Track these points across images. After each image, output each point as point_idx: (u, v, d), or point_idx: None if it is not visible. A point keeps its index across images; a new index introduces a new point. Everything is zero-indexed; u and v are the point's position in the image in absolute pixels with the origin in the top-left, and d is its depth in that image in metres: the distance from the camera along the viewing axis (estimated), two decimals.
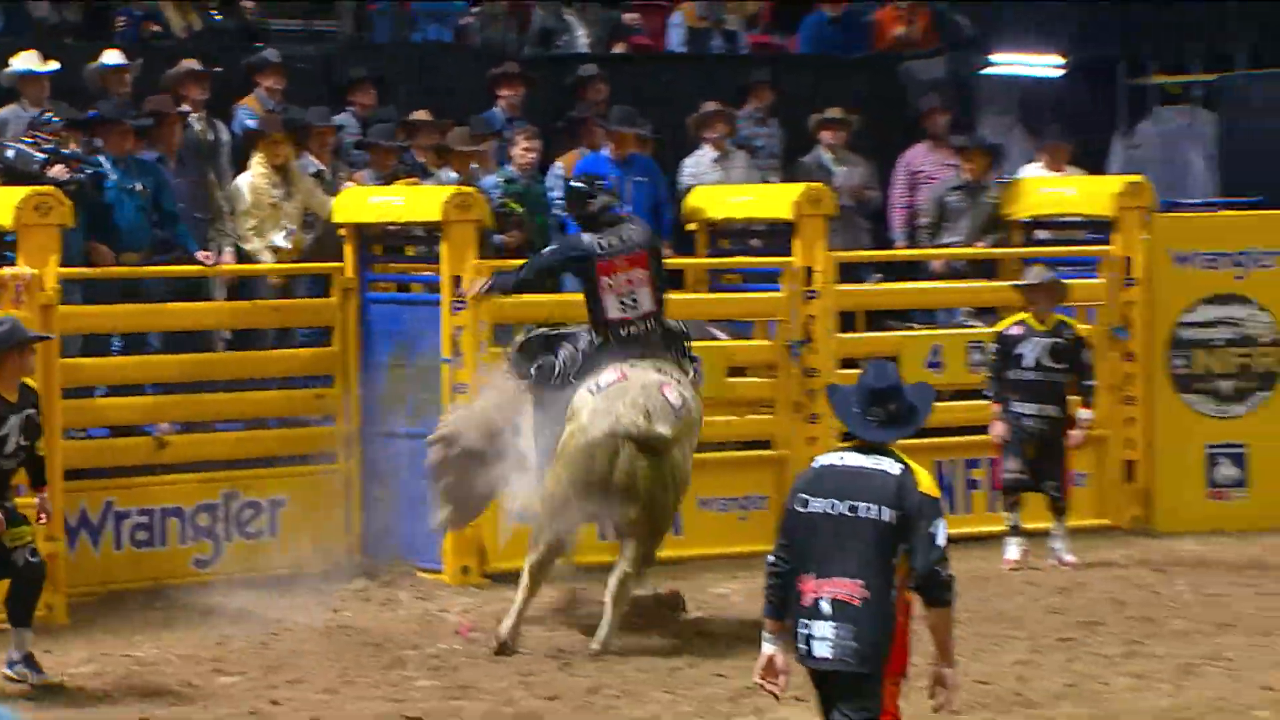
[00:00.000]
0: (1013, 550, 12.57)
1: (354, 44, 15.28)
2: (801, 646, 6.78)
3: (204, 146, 13.00)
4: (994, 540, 12.75)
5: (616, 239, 10.98)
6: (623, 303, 10.90)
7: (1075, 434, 12.65)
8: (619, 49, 15.99)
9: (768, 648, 6.93)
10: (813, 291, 13.08)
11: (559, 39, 15.62)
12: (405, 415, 12.48)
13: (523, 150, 13.51)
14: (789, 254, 13.10)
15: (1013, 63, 17.44)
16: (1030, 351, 12.58)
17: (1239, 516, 13.82)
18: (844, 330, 13.36)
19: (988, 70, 17.26)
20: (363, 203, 12.73)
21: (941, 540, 6.67)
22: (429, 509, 11.32)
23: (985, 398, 12.76)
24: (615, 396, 10.62)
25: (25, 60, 12.59)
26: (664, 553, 11.45)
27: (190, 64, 13.18)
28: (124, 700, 9.70)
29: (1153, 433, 13.90)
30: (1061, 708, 9.41)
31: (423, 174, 13.30)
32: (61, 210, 11.32)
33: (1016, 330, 12.69)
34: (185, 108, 12.89)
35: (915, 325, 14.29)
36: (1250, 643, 10.68)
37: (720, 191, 13.97)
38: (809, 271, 13.07)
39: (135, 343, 12.25)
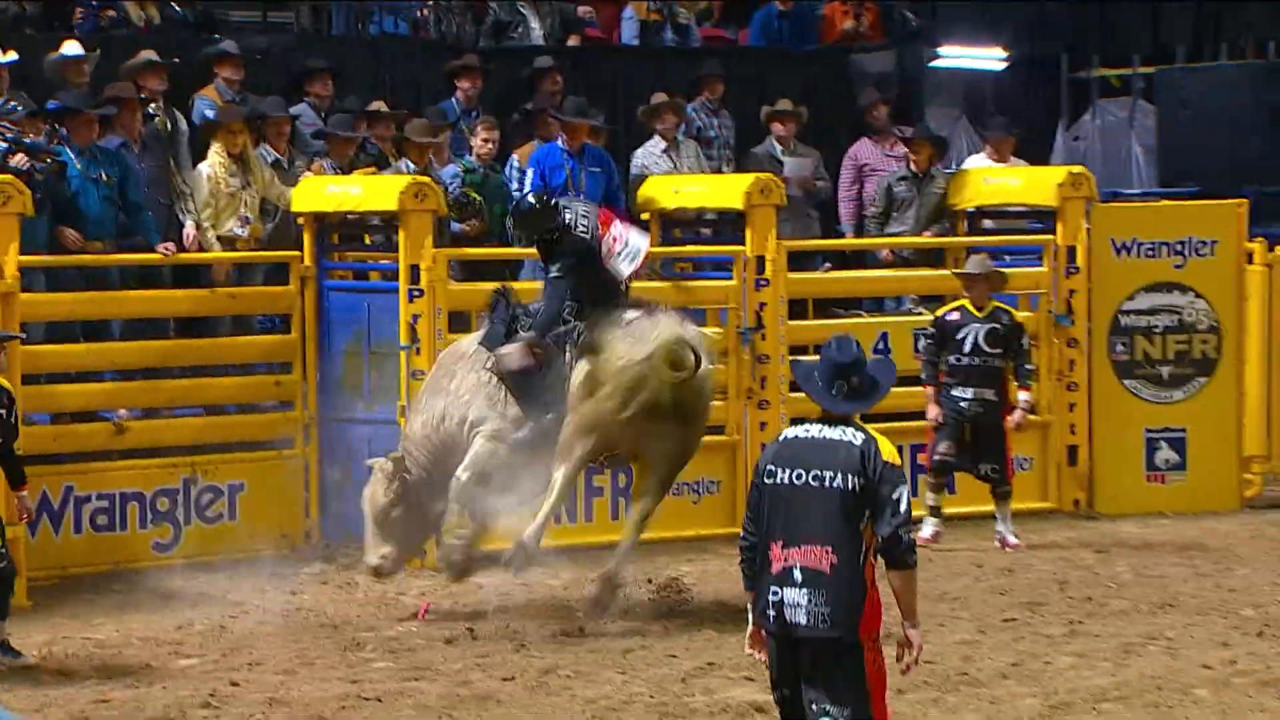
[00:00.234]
0: (927, 529, 12.69)
1: (311, 36, 15.34)
2: (770, 613, 6.91)
3: (163, 136, 13.07)
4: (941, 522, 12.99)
5: (580, 212, 11.14)
6: (621, 254, 11.05)
7: (1016, 416, 12.83)
8: (573, 42, 16.09)
9: (753, 620, 7.09)
10: (764, 279, 13.26)
11: (513, 31, 15.71)
12: (363, 401, 12.59)
13: (482, 140, 13.59)
14: (740, 243, 13.26)
15: (958, 56, 17.62)
16: (969, 337, 12.72)
17: (1178, 499, 14.02)
18: (794, 318, 13.50)
19: (934, 64, 17.43)
20: (320, 192, 12.80)
21: (904, 505, 6.83)
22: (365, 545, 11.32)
23: (920, 382, 12.88)
24: (651, 327, 10.81)
25: None
26: (616, 535, 11.57)
27: (148, 55, 13.21)
28: (84, 681, 9.72)
29: (1094, 418, 14.11)
30: (1006, 686, 9.49)
31: (383, 163, 13.40)
32: (21, 199, 11.35)
33: (954, 316, 12.81)
34: (146, 96, 12.97)
35: (863, 313, 14.47)
36: (1189, 622, 10.81)
37: (672, 181, 14.09)
38: (760, 260, 13.24)
39: (97, 330, 12.31)
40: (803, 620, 6.85)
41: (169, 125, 13.14)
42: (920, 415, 12.83)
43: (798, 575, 6.85)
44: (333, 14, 15.61)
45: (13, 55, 12.52)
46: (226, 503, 12.35)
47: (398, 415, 12.24)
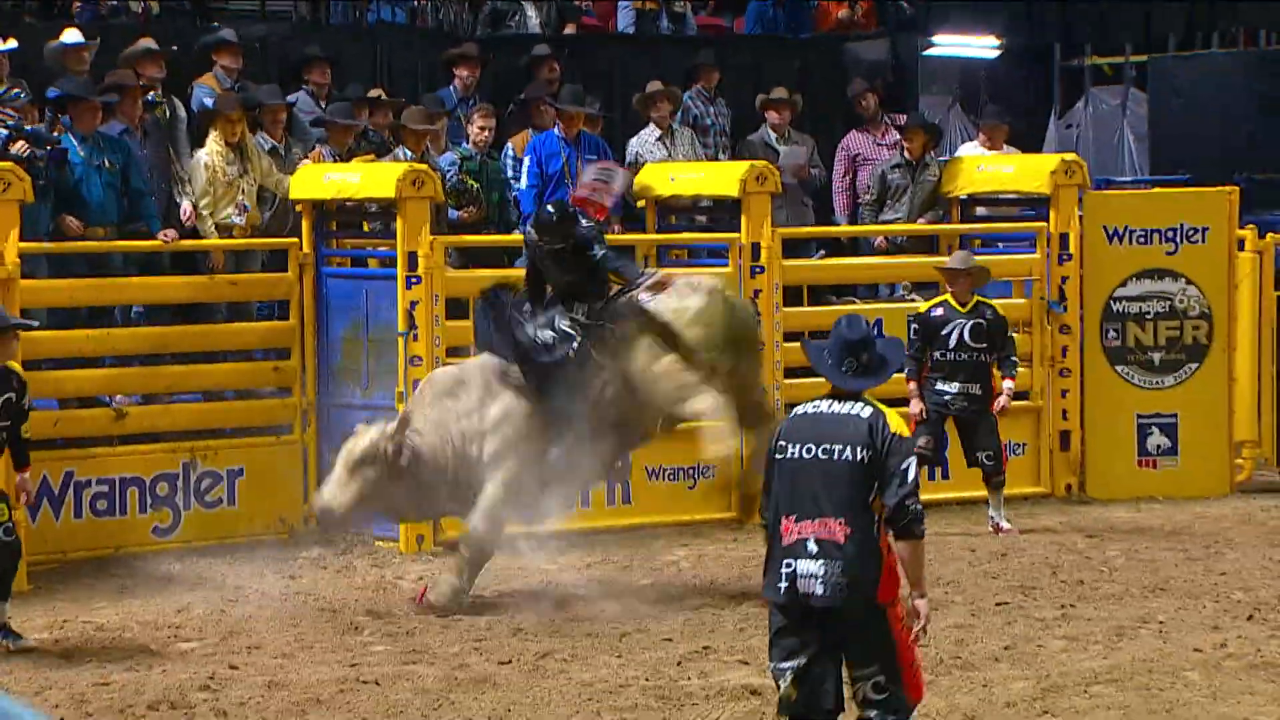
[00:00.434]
0: None
1: (309, 24, 15.37)
2: (781, 585, 7.00)
3: (163, 123, 13.13)
4: (934, 509, 13.00)
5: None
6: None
7: (1001, 400, 12.85)
8: (569, 30, 16.13)
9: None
10: (759, 267, 13.32)
11: (510, 20, 15.74)
12: (361, 387, 12.65)
13: (479, 128, 13.64)
14: (736, 230, 13.31)
15: (952, 45, 17.67)
16: (954, 333, 12.68)
17: (1169, 484, 14.08)
18: (788, 305, 13.56)
19: (928, 52, 17.47)
20: (318, 179, 12.85)
21: (912, 476, 6.93)
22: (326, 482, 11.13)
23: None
24: (684, 286, 11.07)
25: None
26: (613, 520, 11.68)
27: (147, 43, 13.26)
28: (84, 664, 9.76)
29: (1086, 404, 14.18)
30: (998, 669, 9.55)
31: (385, 151, 13.45)
32: (21, 186, 11.40)
33: (939, 312, 12.80)
34: (145, 84, 13.01)
35: (856, 299, 14.54)
36: (1180, 605, 10.86)
37: (668, 169, 14.13)
38: (755, 247, 13.31)
39: (99, 316, 12.35)
40: (820, 590, 6.94)
41: (168, 113, 13.19)
42: (905, 402, 12.86)
43: (812, 546, 6.94)
44: (331, 2, 15.62)
45: (12, 43, 12.52)
46: (226, 488, 12.39)
47: (396, 401, 12.30)
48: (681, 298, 11.02)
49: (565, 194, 13.77)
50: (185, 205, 12.66)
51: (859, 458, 6.94)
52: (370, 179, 12.64)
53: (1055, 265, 14.12)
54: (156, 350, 12.52)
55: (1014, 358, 12.95)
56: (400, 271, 12.31)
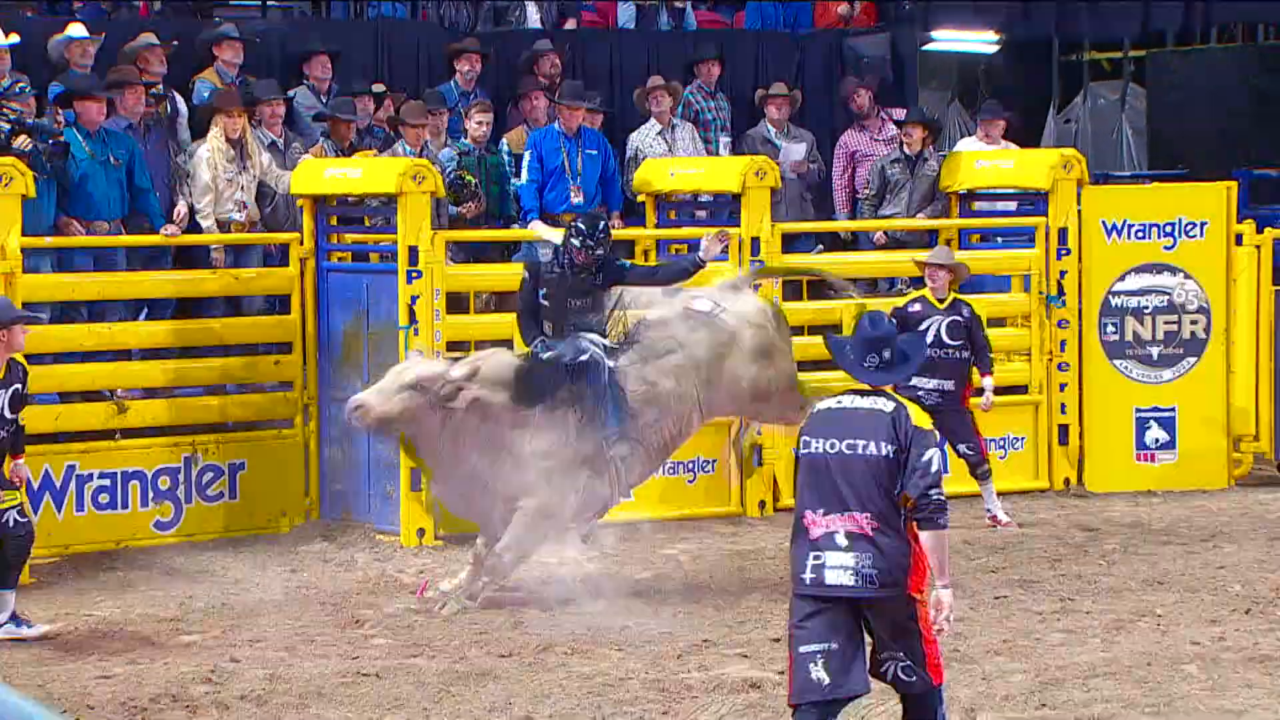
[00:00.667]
0: None
1: (310, 19, 15.38)
2: (811, 576, 7.08)
3: (163, 118, 13.15)
4: None
5: None
6: None
7: (986, 399, 12.82)
8: (569, 25, 16.15)
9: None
10: (758, 261, 13.33)
11: (510, 15, 15.76)
12: (361, 381, 12.67)
13: (477, 123, 13.67)
14: (735, 225, 13.30)
15: (951, 40, 17.69)
16: (931, 329, 12.59)
17: (1167, 478, 14.12)
18: (788, 299, 13.54)
19: (927, 47, 17.50)
20: (319, 174, 12.86)
21: (934, 467, 7.03)
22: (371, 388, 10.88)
23: None
24: (715, 291, 11.46)
25: None
26: (612, 515, 11.71)
27: (148, 37, 13.28)
28: (86, 657, 9.79)
29: (1085, 398, 14.21)
30: (997, 663, 9.56)
31: (385, 145, 13.46)
32: (23, 180, 11.43)
33: (916, 308, 12.74)
34: (146, 79, 13.02)
35: (854, 294, 14.55)
36: (1178, 599, 10.88)
37: (668, 164, 14.16)
38: (755, 242, 13.33)
39: (102, 310, 12.37)
40: (850, 582, 7.03)
41: (169, 108, 13.20)
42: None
43: (842, 540, 7.04)
44: None
45: (14, 38, 12.54)
46: (227, 481, 12.43)
47: None
48: (739, 299, 11.28)
49: (565, 189, 13.81)
50: (180, 207, 12.64)
51: (884, 453, 7.04)
52: (371, 174, 12.66)
53: (1054, 260, 14.14)
54: (157, 345, 12.53)
55: (991, 353, 12.93)
56: (401, 266, 12.32)
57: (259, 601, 10.97)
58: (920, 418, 7.12)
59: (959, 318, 12.72)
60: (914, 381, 12.50)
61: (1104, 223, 14.20)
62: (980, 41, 17.94)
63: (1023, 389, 14.19)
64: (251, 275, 12.85)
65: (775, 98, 15.02)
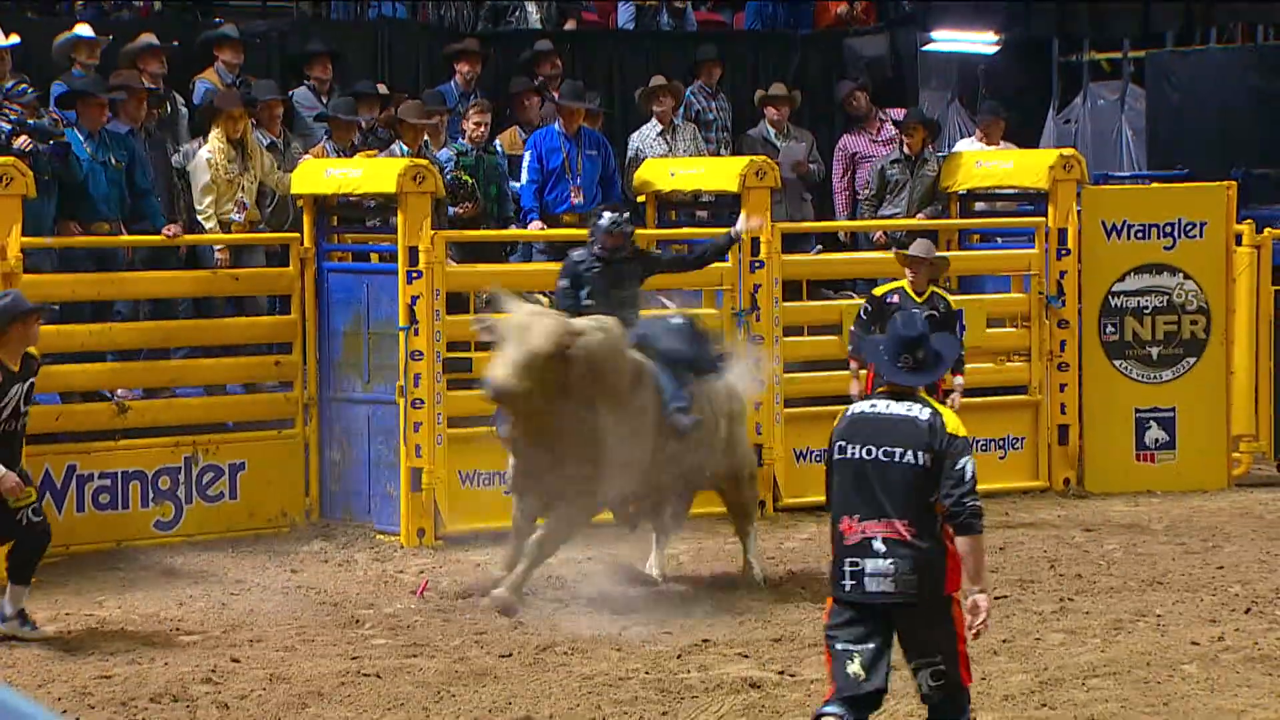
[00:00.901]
0: None
1: (310, 19, 15.39)
2: (849, 583, 7.13)
3: (163, 119, 13.16)
4: None
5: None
6: None
7: (954, 399, 12.71)
8: (569, 26, 16.16)
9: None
10: (758, 261, 13.36)
11: (510, 15, 15.77)
12: (361, 381, 12.70)
13: (475, 124, 13.68)
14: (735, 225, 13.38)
15: (951, 40, 17.70)
16: None
17: (1167, 478, 14.14)
18: (787, 300, 13.58)
19: (927, 47, 17.51)
20: (320, 175, 12.86)
21: (970, 474, 7.07)
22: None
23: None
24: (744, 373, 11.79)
25: None
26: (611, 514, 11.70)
27: (148, 38, 13.30)
28: (86, 657, 9.80)
29: (1084, 398, 14.22)
30: (997, 662, 9.58)
31: (386, 146, 13.47)
32: (23, 181, 11.43)
33: (894, 299, 12.57)
34: (150, 84, 13.02)
35: (854, 294, 14.57)
36: (1177, 599, 10.90)
37: (668, 164, 14.17)
38: (755, 242, 13.34)
39: (103, 310, 12.39)
40: (890, 589, 7.08)
41: (169, 108, 13.21)
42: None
43: (879, 546, 7.08)
44: None
45: (15, 39, 12.55)
46: (227, 482, 12.44)
47: (396, 395, 12.36)
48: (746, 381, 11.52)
49: (566, 189, 13.82)
50: (172, 229, 12.53)
51: (921, 461, 7.08)
52: (371, 174, 12.66)
53: (1054, 260, 14.16)
54: (159, 345, 12.54)
55: (963, 352, 12.83)
56: (401, 266, 12.33)
57: (259, 601, 10.98)
58: (954, 424, 7.16)
59: (935, 312, 12.62)
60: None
61: (1104, 223, 14.22)
62: (980, 42, 17.94)
63: (1022, 389, 14.21)
64: (252, 275, 12.86)
65: (775, 99, 15.04)
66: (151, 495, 12.21)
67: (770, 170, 13.52)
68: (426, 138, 13.37)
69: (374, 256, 13.05)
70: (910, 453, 7.08)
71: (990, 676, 9.33)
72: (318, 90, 13.98)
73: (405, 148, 13.17)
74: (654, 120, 14.63)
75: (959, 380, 12.70)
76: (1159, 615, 10.55)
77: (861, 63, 16.18)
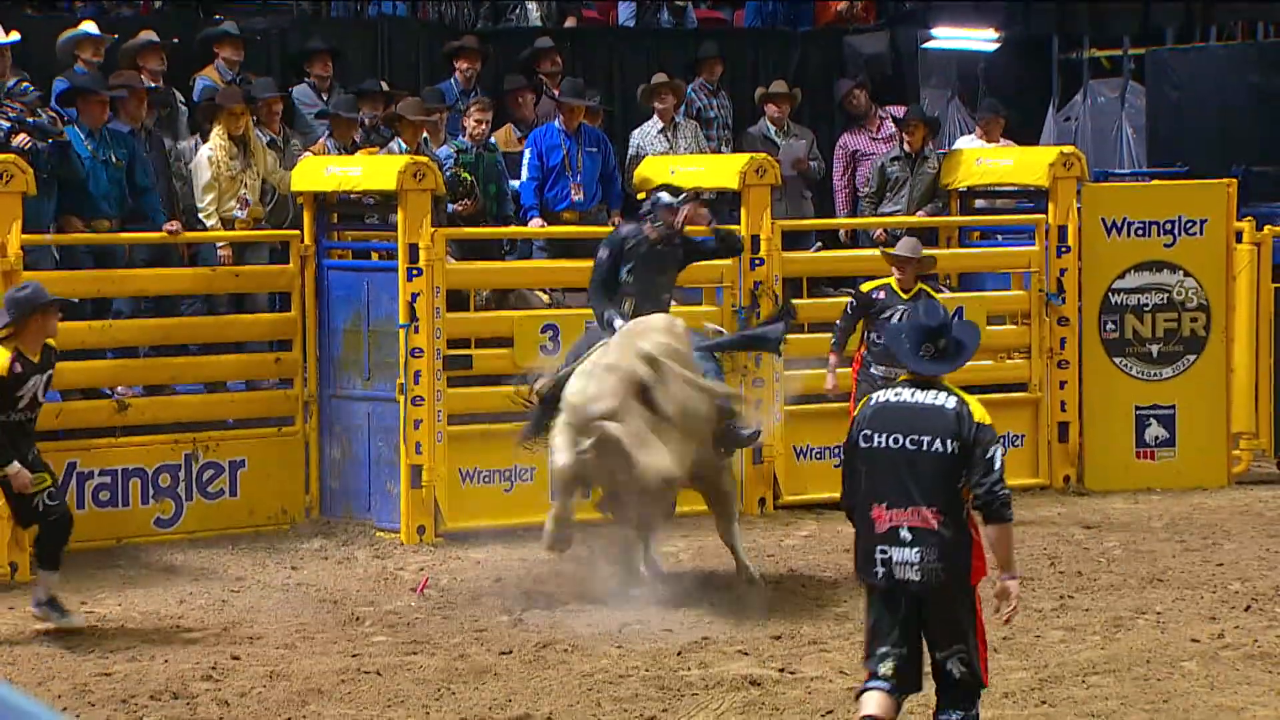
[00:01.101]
0: None
1: (310, 17, 15.40)
2: (878, 569, 7.20)
3: (163, 117, 13.15)
4: None
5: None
6: None
7: None
8: (569, 23, 16.16)
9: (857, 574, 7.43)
10: (759, 259, 13.36)
11: (510, 13, 15.78)
12: (362, 379, 12.71)
13: (475, 121, 13.68)
14: (735, 223, 13.28)
15: (951, 37, 17.71)
16: (892, 318, 12.25)
17: (1167, 475, 14.14)
18: (789, 298, 13.64)
19: (927, 45, 17.51)
20: (320, 172, 12.87)
21: (998, 463, 7.15)
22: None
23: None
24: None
25: None
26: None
27: (148, 35, 13.30)
28: (86, 654, 9.80)
29: (1084, 395, 14.22)
30: (997, 660, 9.41)
31: (386, 143, 13.46)
32: (24, 178, 11.44)
33: (880, 295, 12.52)
34: (150, 83, 13.02)
35: (853, 292, 14.56)
36: (1177, 596, 10.91)
37: (669, 162, 14.16)
38: (755, 239, 13.35)
39: (102, 307, 12.40)
40: (916, 577, 7.15)
41: (169, 107, 13.21)
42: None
43: (905, 534, 7.15)
44: None
45: (15, 36, 12.55)
46: (228, 479, 12.45)
47: (396, 393, 12.37)
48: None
49: (566, 187, 13.82)
50: (172, 225, 12.52)
51: (949, 449, 7.14)
52: (371, 171, 12.67)
53: (1054, 257, 14.16)
54: (159, 342, 12.55)
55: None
56: (401, 264, 12.34)
57: (259, 599, 10.99)
58: (981, 412, 7.22)
59: None
60: (873, 370, 12.34)
61: (1104, 220, 14.23)
62: (980, 39, 17.94)
63: (1023, 386, 14.21)
64: (252, 273, 12.86)
65: (775, 97, 15.04)
66: (152, 492, 12.22)
67: (770, 168, 13.53)
68: (425, 135, 13.37)
69: (374, 254, 13.05)
70: (939, 441, 7.14)
71: (990, 674, 9.30)
72: (318, 88, 13.99)
73: (404, 145, 13.18)
74: (656, 118, 14.63)
75: None
76: (1159, 613, 10.55)
77: (861, 60, 16.19)
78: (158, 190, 12.61)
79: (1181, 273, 14.27)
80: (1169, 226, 14.24)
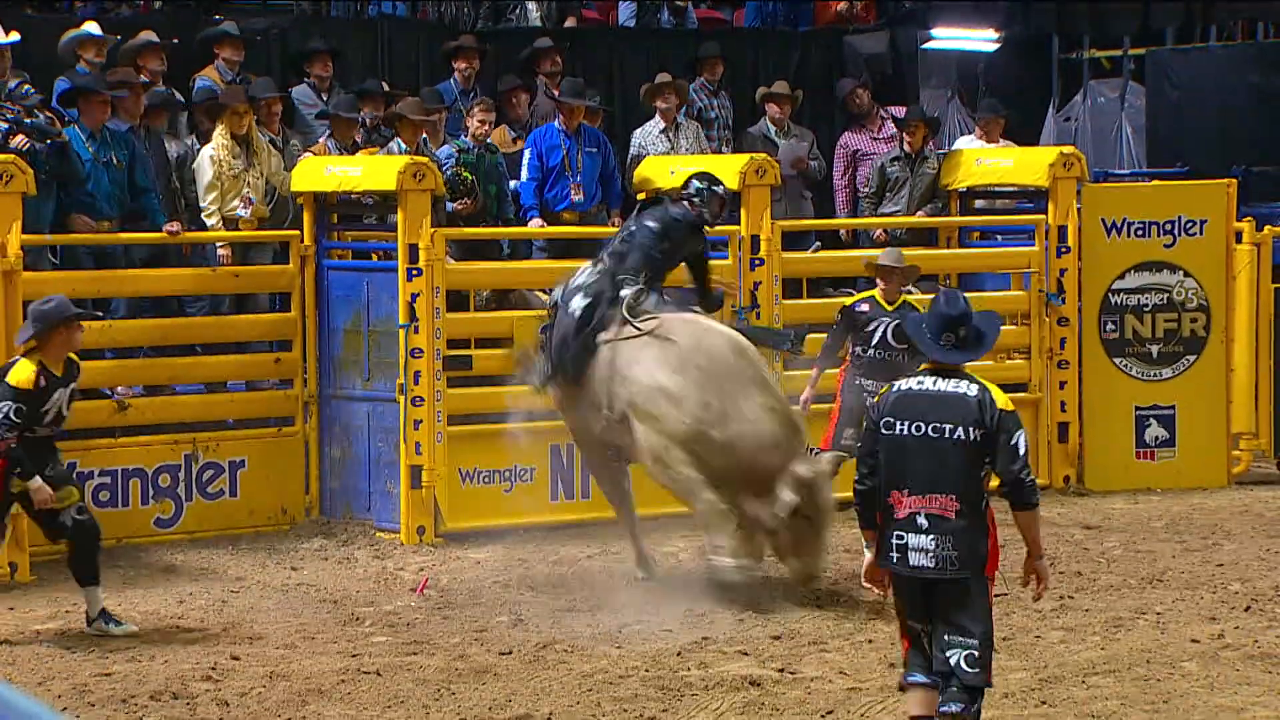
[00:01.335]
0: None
1: (310, 17, 15.41)
2: (895, 555, 7.26)
3: (162, 117, 13.15)
4: None
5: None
6: None
7: None
8: (569, 23, 16.17)
9: (869, 555, 7.49)
10: (758, 259, 13.36)
11: (510, 13, 15.78)
12: (362, 379, 12.71)
13: (479, 122, 13.68)
14: (735, 223, 13.31)
15: (951, 37, 17.72)
16: (878, 330, 12.10)
17: (1167, 476, 14.16)
18: (787, 297, 13.58)
19: (927, 45, 17.52)
20: (320, 172, 12.87)
21: (1023, 449, 7.21)
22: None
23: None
24: None
25: None
26: (612, 512, 11.70)
27: (148, 35, 13.32)
28: (86, 655, 9.80)
29: (1084, 395, 14.23)
30: (996, 660, 9.33)
31: (386, 143, 13.47)
32: (24, 178, 11.44)
33: (865, 308, 12.27)
34: (147, 80, 13.04)
35: (853, 291, 14.56)
36: (1177, 597, 10.91)
37: (669, 162, 14.15)
38: (755, 240, 13.35)
39: (102, 307, 12.42)
40: (930, 564, 7.20)
41: (172, 110, 13.20)
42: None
43: (922, 522, 7.20)
44: None
45: (14, 36, 12.55)
46: (228, 479, 12.46)
47: (396, 393, 12.37)
48: None
49: (565, 187, 13.82)
50: (173, 226, 12.54)
51: (972, 437, 7.19)
52: (371, 171, 12.68)
53: (1054, 258, 14.18)
54: (159, 342, 12.55)
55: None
56: (401, 264, 12.34)
57: (259, 599, 10.99)
58: (1003, 400, 7.27)
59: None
60: (859, 381, 12.17)
61: (1104, 221, 14.24)
62: (980, 39, 17.95)
63: (1022, 387, 14.21)
64: (252, 273, 12.86)
65: (776, 96, 15.04)
66: (151, 493, 12.23)
67: (771, 168, 13.53)
68: (425, 135, 13.38)
69: (374, 254, 13.05)
70: (961, 428, 7.19)
71: (991, 673, 9.32)
72: (318, 88, 13.99)
73: (403, 145, 13.18)
74: (657, 118, 14.63)
75: None
76: (1159, 613, 10.55)
77: (862, 60, 16.20)
78: (158, 190, 12.61)
79: (1181, 273, 14.27)
80: (1169, 227, 14.25)
